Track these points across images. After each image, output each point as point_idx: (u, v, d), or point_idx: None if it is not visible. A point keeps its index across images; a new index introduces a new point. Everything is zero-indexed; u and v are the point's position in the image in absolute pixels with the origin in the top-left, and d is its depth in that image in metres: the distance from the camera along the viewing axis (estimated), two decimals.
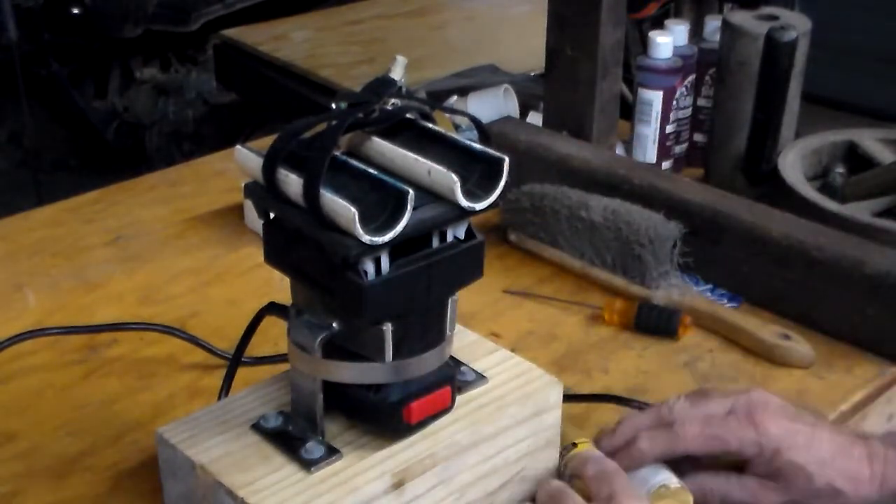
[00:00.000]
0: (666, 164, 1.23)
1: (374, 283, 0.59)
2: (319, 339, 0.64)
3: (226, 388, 0.76)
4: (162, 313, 0.96)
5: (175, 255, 1.08)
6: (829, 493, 0.70)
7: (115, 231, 1.13)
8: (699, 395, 0.73)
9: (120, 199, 1.20)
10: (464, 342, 0.75)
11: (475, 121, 0.67)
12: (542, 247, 1.04)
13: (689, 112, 1.22)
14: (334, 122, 0.61)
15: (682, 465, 0.72)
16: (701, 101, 1.23)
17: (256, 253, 0.67)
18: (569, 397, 0.78)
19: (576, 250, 1.01)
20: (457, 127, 1.21)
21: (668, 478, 0.70)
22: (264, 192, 0.62)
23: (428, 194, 0.61)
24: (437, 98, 1.40)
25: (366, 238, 0.57)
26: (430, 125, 0.65)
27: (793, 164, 1.11)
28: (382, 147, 0.63)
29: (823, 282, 0.92)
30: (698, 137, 1.24)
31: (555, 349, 0.92)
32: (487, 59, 1.65)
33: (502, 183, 0.62)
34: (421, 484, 0.65)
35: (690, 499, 0.69)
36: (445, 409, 0.67)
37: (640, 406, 0.82)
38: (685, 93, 1.21)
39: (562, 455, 0.72)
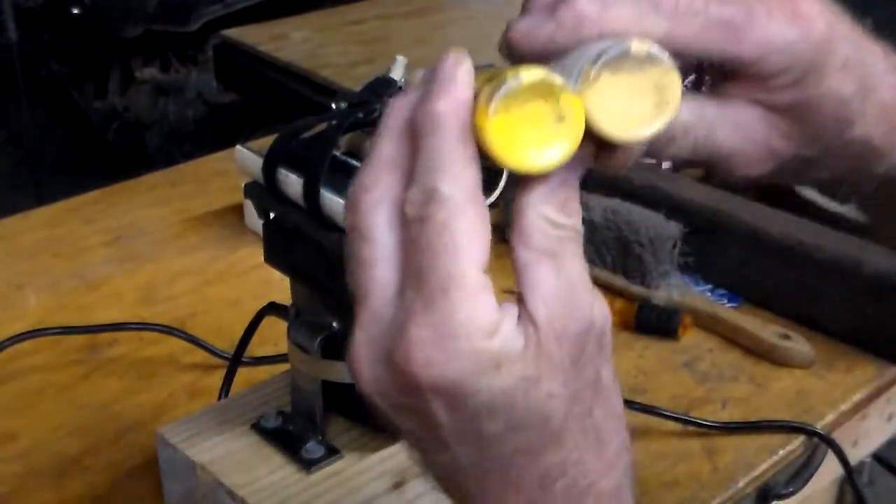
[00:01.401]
0: (666, 164, 1.22)
1: None
2: (319, 339, 0.64)
3: (226, 388, 0.76)
4: (162, 313, 0.96)
5: (175, 255, 1.08)
6: (861, 153, 0.45)
7: (115, 231, 1.13)
8: None
9: (120, 199, 1.20)
10: None
11: None
12: None
13: None
14: (334, 122, 0.61)
15: None
16: None
17: (256, 253, 0.67)
18: None
19: None
20: None
21: (629, 42, 0.40)
22: (264, 192, 0.62)
23: None
24: None
25: None
26: None
27: None
28: None
29: (823, 282, 0.92)
30: None
31: None
32: (487, 59, 1.65)
33: (502, 183, 0.62)
34: (421, 484, 0.65)
35: (676, 79, 0.40)
36: None
37: (640, 407, 0.82)
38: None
39: None
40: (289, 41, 1.90)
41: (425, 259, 0.37)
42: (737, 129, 0.44)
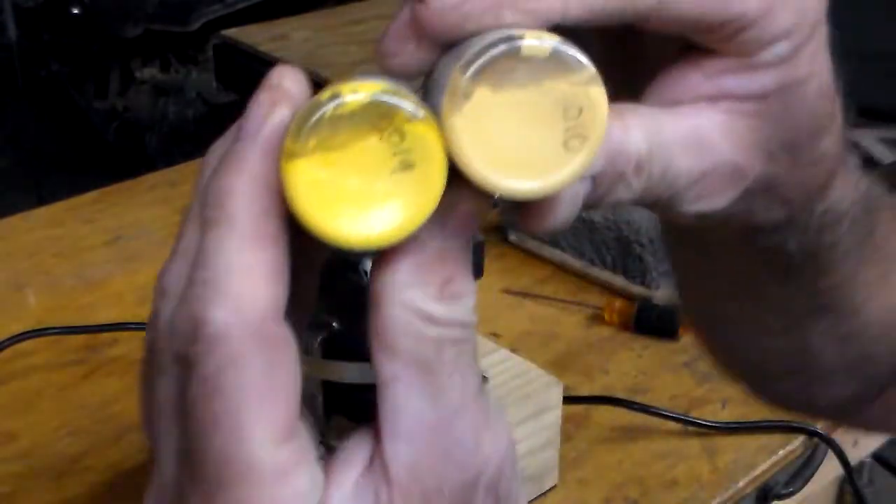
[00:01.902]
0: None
1: None
2: (319, 339, 0.64)
3: None
4: None
5: None
6: (822, 176, 0.36)
7: (115, 231, 1.13)
8: None
9: (120, 199, 1.20)
10: None
11: None
12: (542, 247, 1.04)
13: None
14: None
15: None
16: None
17: None
18: (568, 399, 0.78)
19: (576, 250, 1.01)
20: None
21: (519, 34, 0.26)
22: None
23: None
24: None
25: None
26: None
27: None
28: None
29: None
30: None
31: (555, 349, 0.92)
32: None
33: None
34: None
35: (600, 95, 0.26)
36: None
37: (640, 407, 0.82)
38: None
39: None
40: (289, 41, 1.90)
41: (193, 431, 0.25)
42: (697, 147, 0.31)
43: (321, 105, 0.24)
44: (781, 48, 0.31)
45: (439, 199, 0.25)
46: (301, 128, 0.24)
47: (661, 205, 0.32)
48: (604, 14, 0.28)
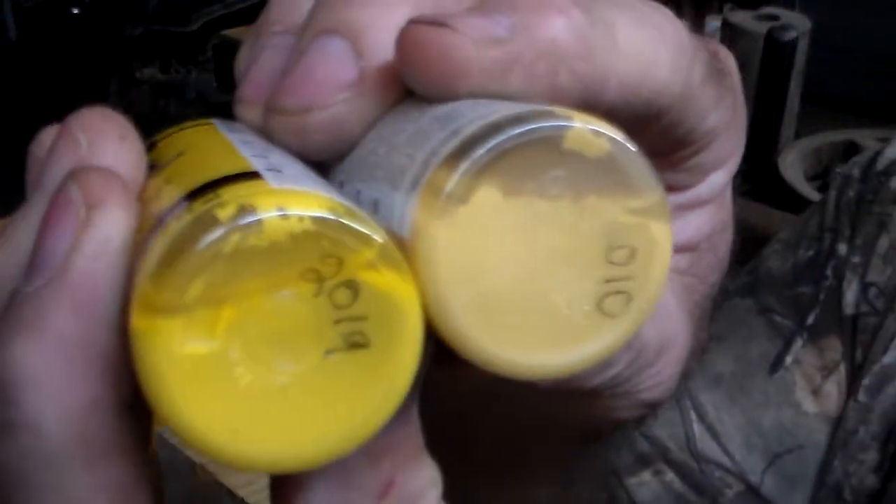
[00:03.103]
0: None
1: None
2: None
3: None
4: None
5: None
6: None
7: None
8: None
9: None
10: None
11: None
12: None
13: None
14: None
15: None
16: None
17: None
18: None
19: None
20: None
21: (561, 114, 0.15)
22: None
23: None
24: None
25: None
26: None
27: (793, 164, 1.12)
28: None
29: None
30: None
31: None
32: None
33: None
34: None
35: (663, 218, 0.16)
36: None
37: None
38: None
39: None
40: None
41: None
42: (660, 312, 0.23)
43: (216, 226, 0.14)
44: (718, 178, 0.24)
45: (403, 400, 0.15)
46: (174, 263, 0.14)
47: (624, 389, 0.23)
48: (637, 98, 0.19)
